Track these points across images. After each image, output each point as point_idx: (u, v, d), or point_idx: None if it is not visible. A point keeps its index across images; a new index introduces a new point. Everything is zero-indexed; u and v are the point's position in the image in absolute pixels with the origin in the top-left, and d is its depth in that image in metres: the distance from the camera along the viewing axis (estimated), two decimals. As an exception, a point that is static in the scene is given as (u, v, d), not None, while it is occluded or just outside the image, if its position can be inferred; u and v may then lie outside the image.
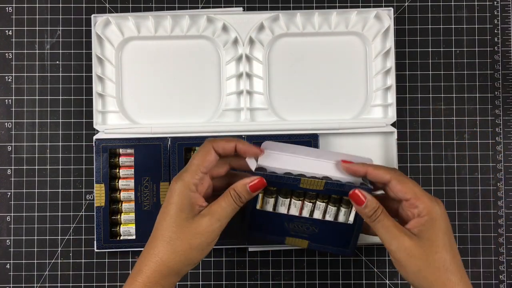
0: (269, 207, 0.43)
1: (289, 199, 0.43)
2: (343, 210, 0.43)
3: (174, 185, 0.38)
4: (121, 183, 0.51)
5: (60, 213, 0.54)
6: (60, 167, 0.54)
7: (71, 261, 0.54)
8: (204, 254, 0.39)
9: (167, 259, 0.38)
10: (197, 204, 0.39)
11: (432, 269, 0.37)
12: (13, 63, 0.55)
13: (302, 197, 0.43)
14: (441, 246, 0.38)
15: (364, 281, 0.54)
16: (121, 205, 0.51)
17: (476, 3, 0.56)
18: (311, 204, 0.43)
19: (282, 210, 0.43)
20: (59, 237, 0.54)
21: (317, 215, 0.43)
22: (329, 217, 0.43)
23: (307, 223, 0.43)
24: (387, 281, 0.54)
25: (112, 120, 0.53)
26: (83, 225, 0.54)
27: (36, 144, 0.54)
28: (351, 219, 0.43)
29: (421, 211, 0.38)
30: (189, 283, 0.54)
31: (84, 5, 0.55)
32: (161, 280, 0.38)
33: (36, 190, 0.54)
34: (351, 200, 0.40)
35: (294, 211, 0.43)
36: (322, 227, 0.44)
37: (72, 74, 0.55)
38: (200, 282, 0.54)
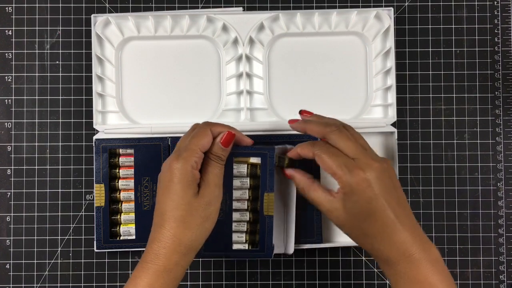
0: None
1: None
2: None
3: (175, 164, 0.39)
4: (121, 183, 0.51)
5: (60, 213, 0.54)
6: (60, 167, 0.54)
7: (71, 261, 0.54)
8: (214, 222, 0.41)
9: (184, 237, 0.39)
10: (197, 179, 0.40)
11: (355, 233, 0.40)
12: (13, 63, 0.55)
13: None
14: (362, 217, 0.39)
15: (364, 281, 0.54)
16: (121, 205, 0.51)
17: (476, 3, 0.56)
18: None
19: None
20: (59, 237, 0.54)
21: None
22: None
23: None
24: (387, 281, 0.54)
25: (112, 120, 0.53)
26: (83, 225, 0.54)
27: (36, 144, 0.54)
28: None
29: (339, 185, 0.40)
30: (189, 283, 0.54)
31: (84, 5, 0.55)
32: (181, 260, 0.39)
33: (36, 190, 0.54)
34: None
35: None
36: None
37: (72, 74, 0.55)
38: (200, 282, 0.54)
